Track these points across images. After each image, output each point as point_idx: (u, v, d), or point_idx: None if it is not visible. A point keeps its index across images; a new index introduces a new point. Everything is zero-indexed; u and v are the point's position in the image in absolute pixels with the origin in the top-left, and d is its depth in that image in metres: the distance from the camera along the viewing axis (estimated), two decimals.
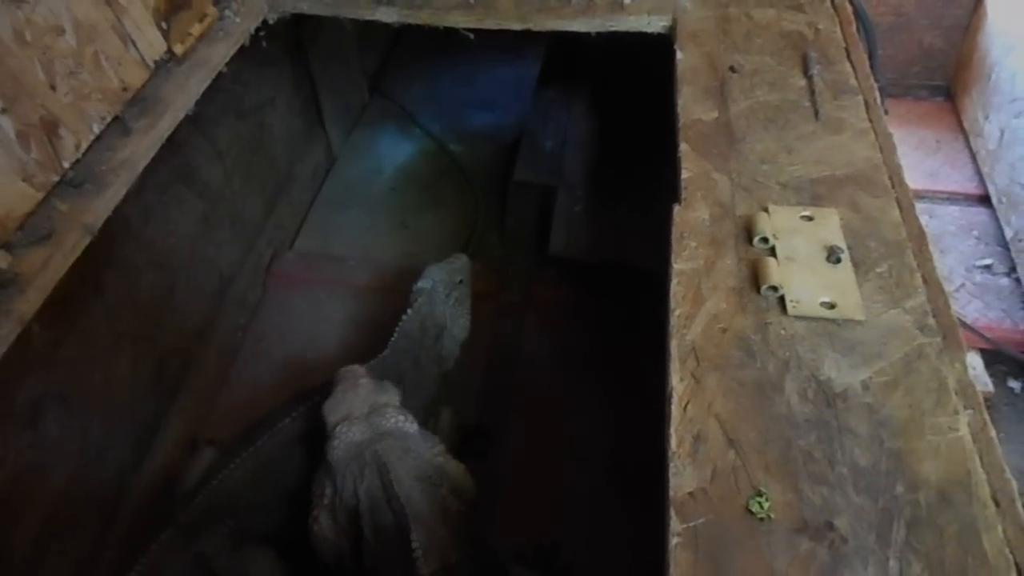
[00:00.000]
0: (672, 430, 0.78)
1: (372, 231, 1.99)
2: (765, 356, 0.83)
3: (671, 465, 0.75)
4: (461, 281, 1.54)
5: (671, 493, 0.73)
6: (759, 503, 0.72)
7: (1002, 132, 2.03)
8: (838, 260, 0.91)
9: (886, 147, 1.07)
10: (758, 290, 0.89)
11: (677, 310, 0.88)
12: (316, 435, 1.26)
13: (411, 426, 1.18)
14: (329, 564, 1.17)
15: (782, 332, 0.85)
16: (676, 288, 0.90)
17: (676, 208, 0.99)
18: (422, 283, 1.50)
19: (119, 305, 1.44)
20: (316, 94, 2.11)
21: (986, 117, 2.14)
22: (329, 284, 1.87)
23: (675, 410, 0.79)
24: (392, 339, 1.41)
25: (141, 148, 1.15)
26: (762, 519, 0.71)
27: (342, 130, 2.23)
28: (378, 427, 1.15)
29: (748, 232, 0.95)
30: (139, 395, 1.51)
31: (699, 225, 0.97)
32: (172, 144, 1.54)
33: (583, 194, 1.77)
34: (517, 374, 1.66)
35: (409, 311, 1.43)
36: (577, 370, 1.65)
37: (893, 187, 1.01)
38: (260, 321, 1.80)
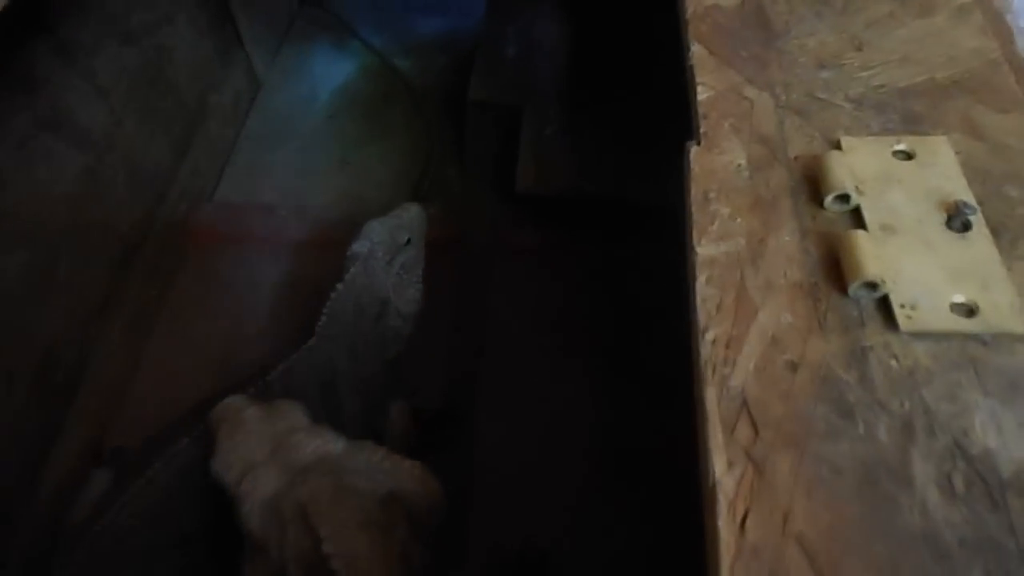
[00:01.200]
0: (723, 570, 0.41)
1: (307, 172, 1.57)
2: (871, 412, 0.46)
3: None
4: (408, 241, 1.13)
5: None
6: None
7: None
8: (966, 225, 0.52)
9: (1001, 32, 0.66)
10: (844, 287, 0.51)
11: (709, 330, 0.50)
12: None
13: (335, 445, 0.82)
14: None
15: (893, 365, 0.47)
16: (704, 290, 0.52)
17: (692, 149, 0.60)
18: (356, 246, 1.09)
19: None
20: (229, 6, 1.64)
21: None
22: (259, 240, 1.46)
23: (724, 531, 0.42)
24: (319, 324, 1.03)
25: None
26: None
27: (266, 49, 1.76)
28: (292, 464, 0.79)
29: (814, 184, 0.56)
30: (19, 405, 1.13)
31: (732, 176, 0.57)
32: (30, 82, 1.13)
33: (555, 114, 1.34)
34: (486, 341, 1.29)
35: (339, 286, 1.05)
36: (557, 332, 1.28)
37: None
38: (176, 292, 1.41)
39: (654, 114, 1.24)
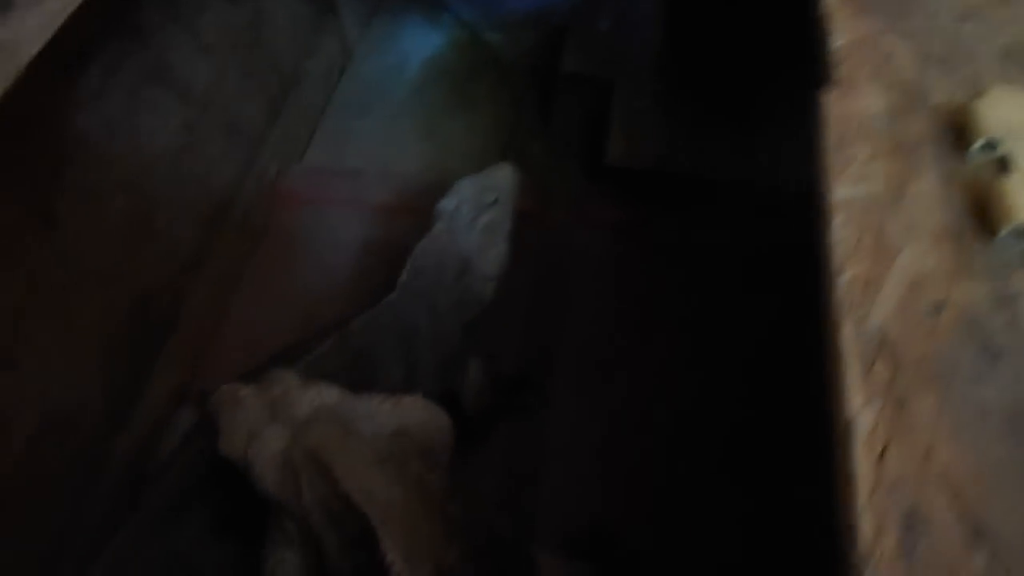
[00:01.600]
0: (860, 503, 0.40)
1: (393, 139, 1.59)
2: (1019, 357, 0.44)
3: None
4: (496, 201, 1.13)
5: None
6: None
7: None
8: None
9: None
10: (992, 233, 0.49)
11: (846, 270, 0.49)
12: None
13: (329, 394, 0.82)
14: None
15: None
16: (840, 231, 0.50)
17: (826, 94, 0.58)
18: (444, 203, 1.10)
19: (79, 239, 1.09)
20: None
21: None
22: (345, 204, 1.49)
23: (862, 462, 0.41)
24: (401, 279, 1.04)
25: (27, 26, 0.77)
26: None
27: (359, 19, 1.79)
28: (293, 419, 0.79)
29: (958, 133, 0.54)
30: (114, 345, 1.18)
31: (871, 122, 0.56)
32: (139, 35, 1.17)
33: (648, 88, 1.33)
34: (566, 314, 1.29)
35: (422, 241, 1.06)
36: (637, 309, 1.27)
37: None
38: (265, 250, 1.45)
39: (750, 91, 1.23)
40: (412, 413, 0.85)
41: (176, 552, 0.91)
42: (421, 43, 1.76)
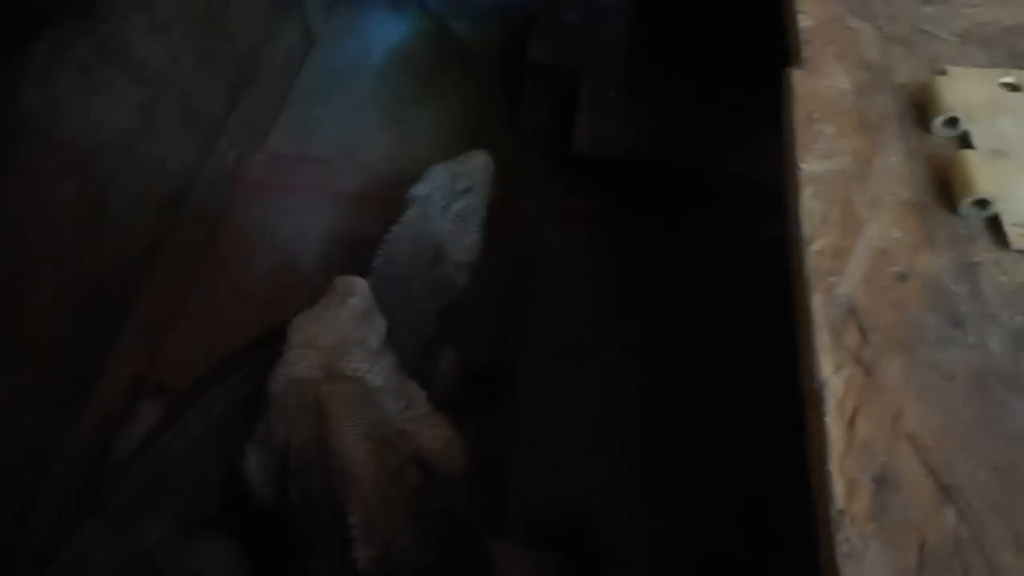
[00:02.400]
0: (832, 466, 0.41)
1: (359, 128, 1.58)
2: (982, 324, 0.46)
3: (838, 538, 0.39)
4: (469, 189, 1.12)
5: None
6: None
7: None
8: None
9: None
10: (952, 206, 0.50)
11: (816, 241, 0.50)
12: None
13: (376, 379, 0.85)
14: (262, 510, 0.88)
15: (1004, 280, 0.47)
16: (809, 203, 0.52)
17: (795, 74, 0.60)
18: (416, 189, 1.09)
19: (27, 224, 1.06)
20: None
21: None
22: (307, 192, 1.48)
23: (833, 426, 0.42)
24: (374, 263, 1.03)
25: None
26: None
27: (322, 5, 1.77)
28: (333, 368, 0.83)
29: (921, 110, 0.56)
30: (66, 335, 1.15)
31: (838, 99, 0.57)
32: (91, 12, 1.14)
33: (615, 78, 1.35)
34: (535, 304, 1.29)
35: (394, 228, 1.05)
36: (610, 298, 1.28)
37: None
38: (223, 239, 1.42)
39: (715, 81, 1.24)
40: (434, 439, 0.89)
41: (138, 550, 0.89)
42: (385, 31, 1.75)
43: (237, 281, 1.36)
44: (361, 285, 0.91)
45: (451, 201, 1.10)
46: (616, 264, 1.32)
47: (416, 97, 1.63)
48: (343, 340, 0.84)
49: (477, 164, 1.14)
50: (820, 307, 0.47)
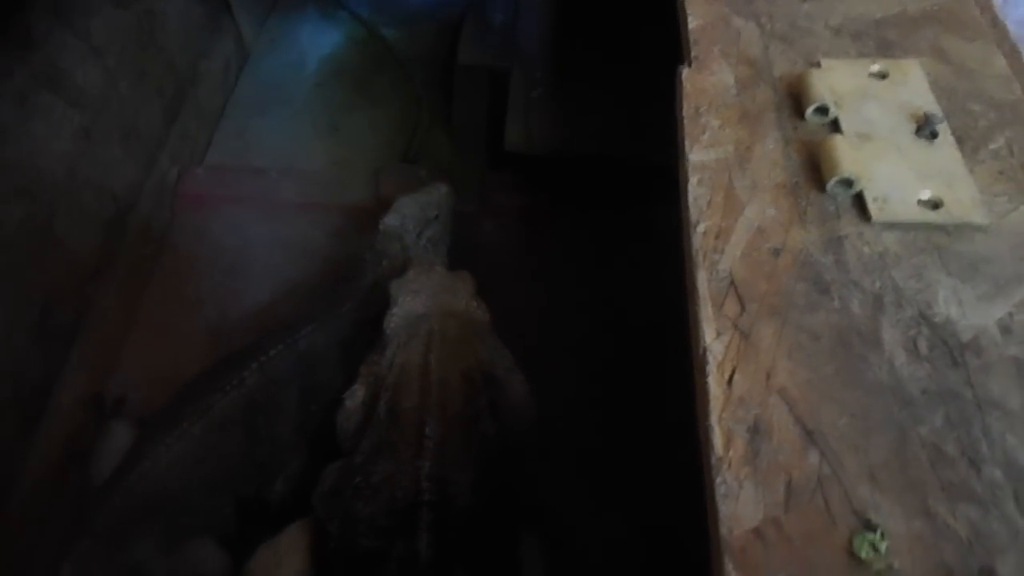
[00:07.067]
0: (712, 420, 0.46)
1: (297, 137, 1.60)
2: (845, 289, 0.51)
3: (717, 481, 0.44)
4: (436, 216, 1.20)
5: (722, 531, 0.43)
6: (869, 541, 0.42)
7: None
8: (934, 134, 0.58)
9: None
10: (822, 186, 0.56)
11: (701, 223, 0.55)
12: (258, 407, 1.01)
13: (484, 315, 0.99)
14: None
15: (866, 250, 0.53)
16: (696, 190, 0.57)
17: (684, 71, 0.65)
18: (388, 219, 1.16)
19: None
20: None
21: None
22: (250, 202, 1.50)
23: (713, 385, 0.48)
24: (342, 310, 1.08)
25: None
26: (879, 572, 0.41)
27: (255, 18, 1.79)
28: (445, 305, 0.96)
29: (796, 100, 0.62)
30: (20, 352, 1.16)
31: (721, 94, 0.63)
32: (27, 40, 1.16)
33: (543, 76, 1.40)
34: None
35: (396, 281, 1.09)
36: (549, 294, 1.32)
37: (990, 26, 0.67)
38: (169, 252, 1.44)
39: (640, 75, 1.30)
40: (517, 386, 0.98)
41: (134, 565, 0.93)
42: (318, 40, 1.78)
43: (186, 292, 1.38)
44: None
45: (423, 228, 1.17)
46: (549, 254, 1.37)
47: (352, 104, 1.66)
48: (446, 287, 0.99)
49: (443, 194, 1.23)
50: (704, 282, 0.52)
